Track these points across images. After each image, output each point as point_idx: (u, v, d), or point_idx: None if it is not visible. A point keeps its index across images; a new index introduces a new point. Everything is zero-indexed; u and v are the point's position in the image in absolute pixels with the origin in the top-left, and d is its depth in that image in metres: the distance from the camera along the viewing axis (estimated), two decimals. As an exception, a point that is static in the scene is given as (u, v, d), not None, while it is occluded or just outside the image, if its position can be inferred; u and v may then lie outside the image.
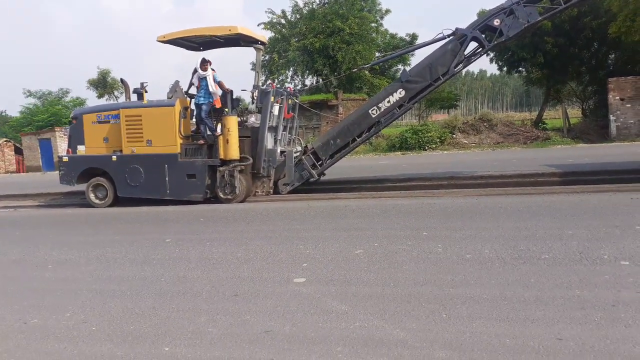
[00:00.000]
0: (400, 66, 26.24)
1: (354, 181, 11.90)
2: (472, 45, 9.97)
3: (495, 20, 9.55)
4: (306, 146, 11.41)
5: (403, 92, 10.13)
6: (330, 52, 24.65)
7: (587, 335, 3.44)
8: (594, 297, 4.07)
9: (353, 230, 7.01)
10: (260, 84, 11.43)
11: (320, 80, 23.53)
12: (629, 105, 19.37)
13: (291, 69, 26.53)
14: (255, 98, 10.57)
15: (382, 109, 10.24)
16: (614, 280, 4.40)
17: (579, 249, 5.33)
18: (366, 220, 7.59)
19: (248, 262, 5.82)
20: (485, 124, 23.00)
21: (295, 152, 10.78)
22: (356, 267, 5.36)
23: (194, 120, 10.80)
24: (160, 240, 7.30)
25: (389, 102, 10.20)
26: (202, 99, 10.25)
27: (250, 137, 10.45)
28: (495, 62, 28.91)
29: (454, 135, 22.43)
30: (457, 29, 9.88)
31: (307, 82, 27.44)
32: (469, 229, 6.61)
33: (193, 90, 10.65)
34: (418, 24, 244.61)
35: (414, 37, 28.62)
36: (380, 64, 26.28)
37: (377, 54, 26.72)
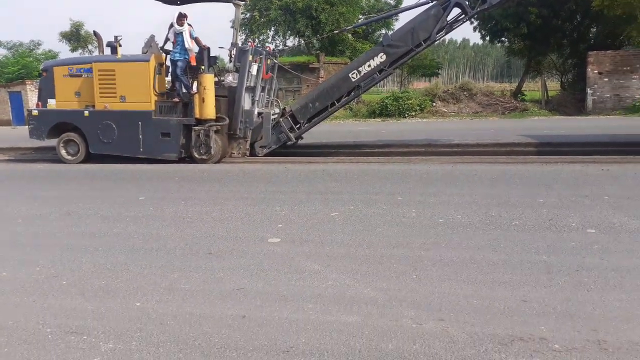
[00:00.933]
0: (383, 30, 25.86)
1: (332, 146, 11.85)
2: (455, 11, 9.85)
3: None
4: (284, 108, 11.24)
5: (384, 57, 10.00)
6: (313, 13, 24.09)
7: (550, 298, 3.56)
8: (559, 263, 4.19)
9: (329, 193, 7.03)
10: (240, 43, 11.13)
11: (302, 41, 23.06)
12: (606, 79, 19.59)
13: (272, 28, 25.88)
14: (233, 56, 10.31)
15: (362, 73, 10.12)
16: (580, 247, 4.53)
17: (549, 216, 5.46)
18: (343, 184, 7.61)
19: (223, 222, 5.81)
20: (465, 93, 23.02)
21: (273, 114, 10.63)
22: (331, 228, 5.39)
23: (169, 77, 10.52)
24: (134, 198, 7.21)
25: (369, 66, 10.07)
26: (177, 55, 9.96)
27: (227, 97, 10.24)
28: (479, 31, 28.62)
29: (434, 104, 22.42)
30: None
31: (289, 43, 26.90)
32: (443, 194, 6.69)
33: (169, 46, 10.32)
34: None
35: (398, 1, 28.13)
36: (364, 27, 25.85)
37: (360, 17, 26.23)
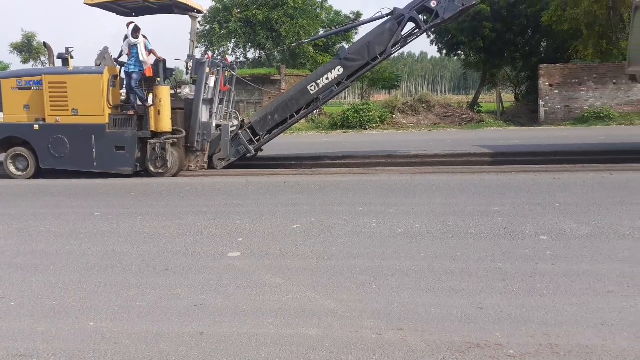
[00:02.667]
0: (344, 43, 26.22)
1: (293, 158, 11.86)
2: (410, 25, 10.08)
3: (432, 2, 9.72)
4: (243, 120, 11.16)
5: (341, 70, 10.13)
6: (274, 26, 24.20)
7: (505, 304, 3.65)
8: (514, 269, 4.31)
9: (291, 205, 7.01)
10: (198, 54, 11.03)
11: (263, 53, 23.07)
12: (557, 92, 20.46)
13: (233, 40, 25.80)
14: (190, 69, 10.20)
15: (320, 86, 10.20)
16: (533, 254, 4.68)
17: (504, 224, 5.62)
18: (305, 196, 7.61)
19: (181, 237, 5.69)
20: (423, 105, 23.55)
21: (231, 127, 10.54)
22: (292, 241, 5.37)
23: (124, 89, 10.30)
24: (89, 214, 6.97)
25: (327, 79, 10.16)
26: (132, 67, 9.78)
27: (184, 109, 10.10)
28: (436, 45, 29.50)
29: (394, 116, 22.83)
30: (395, 8, 9.97)
31: (250, 55, 26.86)
32: (403, 205, 6.79)
33: (123, 58, 10.12)
34: (363, 3, 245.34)
35: (358, 15, 28.60)
36: (325, 40, 26.09)
37: (321, 30, 26.51)
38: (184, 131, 9.97)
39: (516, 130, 18.51)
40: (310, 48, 25.60)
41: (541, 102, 20.38)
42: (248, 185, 8.60)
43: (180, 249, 5.25)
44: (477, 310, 3.56)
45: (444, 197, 7.20)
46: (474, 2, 9.91)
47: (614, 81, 19.41)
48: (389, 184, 8.37)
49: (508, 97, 31.48)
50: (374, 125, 21.27)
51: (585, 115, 19.45)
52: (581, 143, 12.29)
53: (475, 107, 26.75)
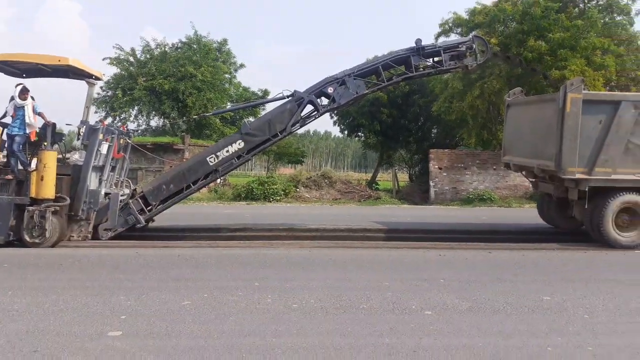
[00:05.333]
0: (251, 118, 26.80)
1: (190, 229, 11.51)
2: (309, 107, 10.69)
3: (329, 88, 10.47)
4: (135, 189, 10.71)
5: (242, 144, 10.29)
6: (180, 96, 24.19)
7: (389, 380, 3.72)
8: (399, 344, 4.44)
9: (183, 280, 6.72)
10: (94, 120, 10.63)
11: (167, 122, 22.77)
12: (445, 174, 22.27)
13: (136, 107, 25.31)
14: (82, 134, 9.78)
15: (220, 158, 10.22)
16: (418, 328, 4.87)
17: (393, 299, 5.82)
18: (199, 270, 7.36)
19: (56, 314, 5.19)
20: (326, 180, 24.37)
21: (122, 195, 10.08)
22: (181, 319, 5.12)
23: (4, 152, 9.57)
24: (-53, 288, 6.14)
25: (227, 151, 10.25)
26: (16, 129, 9.19)
27: (71, 176, 9.53)
28: (338, 125, 31.29)
29: (298, 189, 23.32)
30: (295, 91, 10.56)
31: (153, 123, 26.35)
32: (300, 279, 6.81)
33: (8, 120, 9.49)
34: (274, 82, 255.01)
35: (265, 92, 29.60)
36: (232, 114, 26.49)
37: (229, 104, 26.94)
38: (68, 198, 9.34)
39: (409, 208, 19.65)
40: (217, 120, 25.77)
41: (431, 183, 22.00)
42: (138, 258, 8.15)
43: (54, 328, 4.77)
44: (362, 388, 3.59)
45: (339, 271, 7.34)
46: (367, 91, 10.79)
47: (494, 167, 21.59)
48: (287, 257, 8.39)
49: (403, 177, 33.67)
50: (278, 198, 21.48)
51: (470, 197, 21.24)
52: (465, 223, 13.33)
53: (374, 185, 28.24)
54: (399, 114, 27.94)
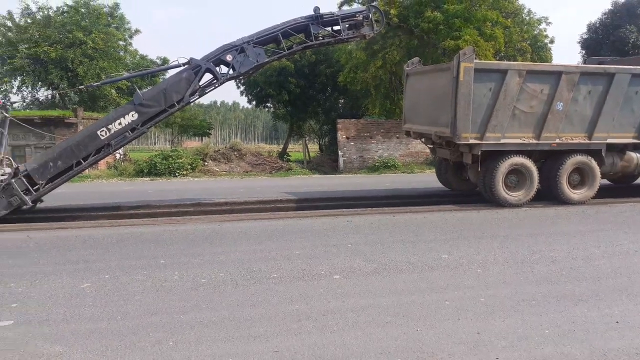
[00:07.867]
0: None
1: (88, 208, 10.77)
2: (208, 76, 10.26)
3: (228, 56, 10.08)
4: (17, 167, 9.69)
5: (136, 115, 9.68)
6: (70, 65, 22.21)
7: (299, 345, 3.80)
8: (309, 309, 4.54)
9: (82, 262, 6.32)
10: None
11: (57, 94, 20.84)
12: (352, 144, 22.83)
13: (19, 78, 22.88)
14: None
15: (112, 131, 9.54)
16: (327, 293, 5.01)
17: (302, 266, 5.92)
18: (98, 251, 6.94)
19: None
20: (235, 153, 23.94)
21: (2, 175, 9.15)
22: (79, 303, 4.82)
23: None
24: None
25: (120, 124, 9.59)
26: None
27: None
28: (246, 96, 30.70)
29: (206, 163, 22.68)
30: (191, 58, 10.05)
31: (40, 95, 24.04)
32: (208, 254, 6.68)
33: None
34: (172, 50, 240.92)
35: (165, 60, 28.08)
36: (129, 84, 24.90)
37: (125, 73, 25.26)
38: None
39: (320, 177, 19.97)
40: (113, 90, 24.12)
41: (340, 153, 22.47)
42: (29, 242, 7.52)
43: None
44: (272, 354, 3.63)
45: (250, 243, 7.31)
46: (267, 60, 10.53)
47: (397, 135, 22.46)
48: (195, 233, 8.18)
49: (314, 148, 34.06)
50: (185, 172, 20.77)
51: (376, 164, 22.03)
52: (372, 189, 13.82)
53: (285, 156, 28.28)
54: (307, 84, 28.01)
